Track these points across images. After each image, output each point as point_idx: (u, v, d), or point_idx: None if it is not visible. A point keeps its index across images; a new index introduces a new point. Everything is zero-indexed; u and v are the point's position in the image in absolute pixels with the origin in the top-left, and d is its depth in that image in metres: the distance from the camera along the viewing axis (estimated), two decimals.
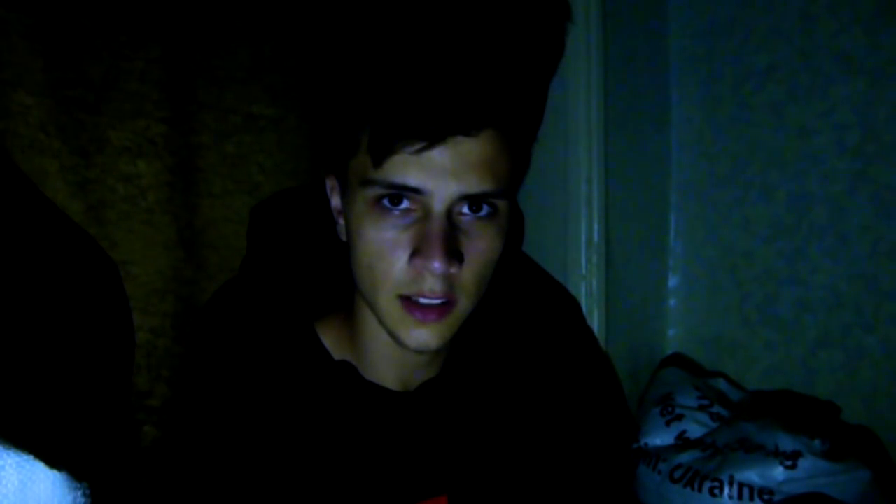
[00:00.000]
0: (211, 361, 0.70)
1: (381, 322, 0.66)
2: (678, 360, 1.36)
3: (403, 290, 0.62)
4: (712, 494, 1.02)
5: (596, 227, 1.19)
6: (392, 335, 0.66)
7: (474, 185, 0.60)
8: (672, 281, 1.42)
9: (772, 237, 1.28)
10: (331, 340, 0.72)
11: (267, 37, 0.93)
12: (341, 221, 0.68)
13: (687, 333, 1.42)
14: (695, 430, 1.14)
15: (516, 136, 0.63)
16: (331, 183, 0.69)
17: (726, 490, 1.01)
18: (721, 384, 1.26)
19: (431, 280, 0.61)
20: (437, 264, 0.59)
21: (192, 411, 0.69)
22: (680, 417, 1.16)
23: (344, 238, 0.68)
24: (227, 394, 0.68)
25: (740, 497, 1.00)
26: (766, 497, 0.99)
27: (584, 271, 1.19)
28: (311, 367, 0.70)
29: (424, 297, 0.62)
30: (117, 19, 0.83)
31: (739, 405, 1.21)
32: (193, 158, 0.89)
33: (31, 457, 0.43)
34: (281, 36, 0.94)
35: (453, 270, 0.61)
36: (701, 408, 1.17)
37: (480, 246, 0.63)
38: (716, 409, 1.17)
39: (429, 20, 0.60)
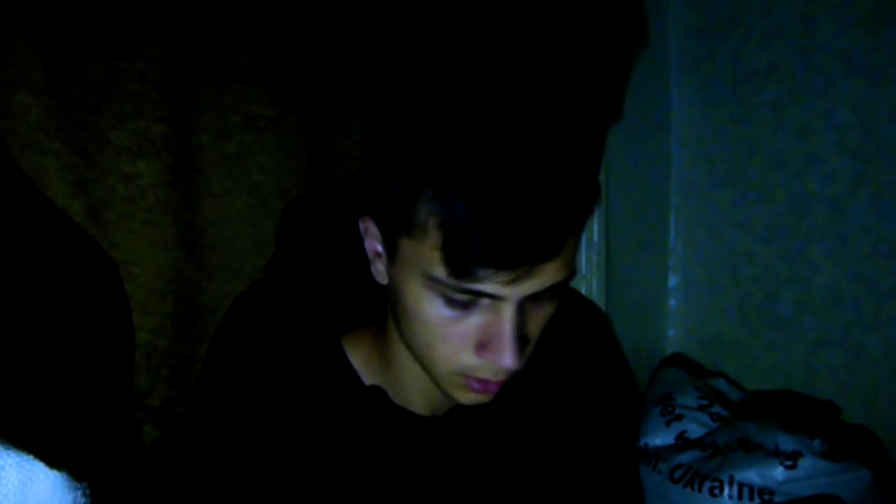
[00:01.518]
0: (232, 372, 0.68)
1: (433, 381, 0.64)
2: (678, 360, 1.36)
3: (466, 372, 0.61)
4: (712, 494, 1.02)
5: (596, 227, 1.19)
6: (444, 392, 0.64)
7: (550, 282, 0.57)
8: (672, 281, 1.42)
9: (772, 237, 1.28)
10: (359, 361, 0.70)
11: (267, 37, 0.93)
12: (381, 268, 0.63)
13: (687, 333, 1.42)
14: (695, 430, 1.14)
15: (588, 219, 0.61)
16: (366, 225, 0.63)
17: (726, 490, 1.01)
18: (721, 384, 1.26)
19: (498, 370, 0.59)
20: (508, 364, 0.57)
21: (211, 425, 0.68)
22: (680, 417, 1.16)
23: (382, 282, 0.64)
24: (246, 410, 0.66)
25: (740, 497, 1.00)
26: (766, 497, 0.99)
27: (584, 271, 1.19)
28: (339, 390, 0.68)
29: (487, 378, 0.61)
30: (117, 19, 0.83)
31: (739, 405, 1.21)
32: (193, 158, 0.89)
33: (31, 457, 0.43)
34: (281, 36, 0.94)
35: (522, 361, 0.59)
36: (701, 408, 1.17)
37: (541, 320, 0.61)
38: (716, 409, 1.17)
39: (513, 141, 0.54)
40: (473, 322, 0.58)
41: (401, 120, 0.57)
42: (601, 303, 1.21)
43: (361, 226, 0.64)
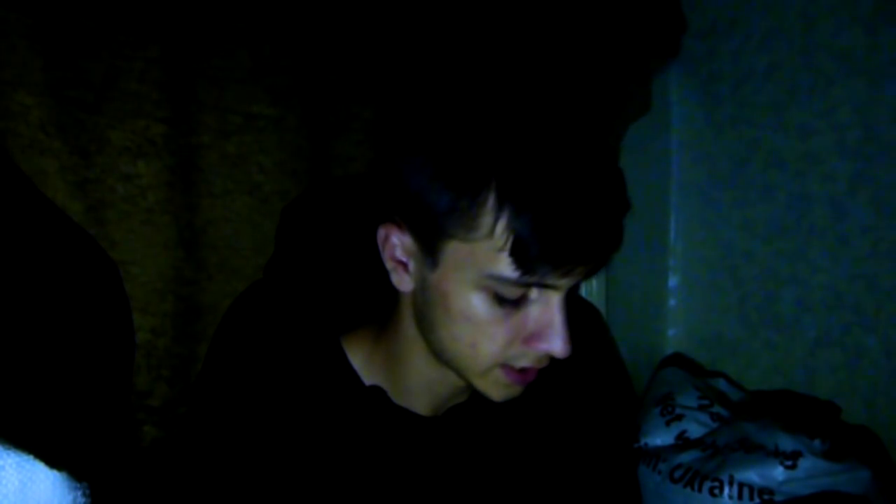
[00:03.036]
0: (232, 373, 0.68)
1: (466, 381, 0.64)
2: (678, 360, 1.36)
3: (509, 363, 0.61)
4: (712, 494, 1.02)
5: None
6: (475, 387, 0.64)
7: (595, 269, 0.59)
8: (672, 281, 1.42)
9: (772, 237, 1.28)
10: (360, 361, 0.70)
11: (267, 37, 0.93)
12: (405, 276, 0.63)
13: (687, 333, 1.42)
14: (695, 430, 1.14)
15: None
16: (387, 232, 0.62)
17: (726, 490, 1.01)
18: (721, 384, 1.26)
19: (542, 357, 0.61)
20: (563, 349, 0.59)
21: (211, 425, 0.67)
22: (680, 417, 1.16)
23: (404, 290, 0.64)
24: (246, 410, 0.66)
25: (740, 497, 1.00)
26: (766, 497, 0.99)
27: None
28: (339, 390, 0.68)
29: (527, 367, 0.62)
30: (117, 19, 0.83)
31: (739, 405, 1.21)
32: (193, 158, 0.89)
33: (31, 457, 0.43)
34: (281, 36, 0.94)
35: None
36: (701, 408, 1.17)
37: (572, 303, 0.63)
38: (716, 409, 1.17)
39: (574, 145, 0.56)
40: (523, 316, 0.60)
41: (440, 129, 0.58)
42: (601, 303, 1.21)
43: (381, 234, 0.63)
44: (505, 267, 0.56)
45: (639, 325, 1.36)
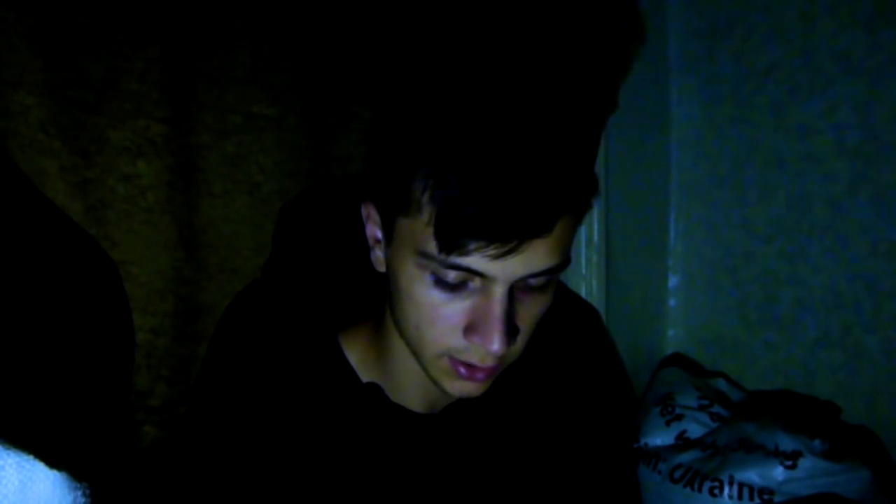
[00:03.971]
0: (230, 372, 0.68)
1: (422, 368, 0.64)
2: (678, 360, 1.36)
3: (453, 354, 0.61)
4: (712, 494, 1.02)
5: (596, 227, 1.19)
6: (433, 381, 0.64)
7: (541, 265, 0.57)
8: (672, 281, 1.42)
9: (772, 237, 1.28)
10: (357, 357, 0.70)
11: (267, 37, 0.93)
12: (379, 253, 0.64)
13: (687, 333, 1.42)
14: (695, 430, 1.14)
15: (584, 207, 0.61)
16: (367, 211, 0.64)
17: (726, 490, 1.01)
18: (721, 384, 1.26)
19: (485, 354, 0.60)
20: (496, 347, 0.57)
21: (211, 425, 0.68)
22: (680, 417, 1.16)
23: (380, 270, 0.65)
24: (245, 408, 0.67)
25: (740, 497, 1.00)
26: (766, 497, 0.99)
27: (584, 271, 1.19)
28: (336, 387, 0.69)
29: (473, 363, 0.61)
30: (117, 19, 0.83)
31: (739, 405, 1.21)
32: (193, 158, 0.89)
33: (31, 457, 0.43)
34: (281, 36, 0.94)
35: (509, 346, 0.59)
36: (701, 408, 1.17)
37: (535, 311, 0.61)
38: (716, 409, 1.17)
39: (507, 113, 0.55)
40: (463, 305, 0.59)
41: (398, 105, 0.59)
42: (601, 303, 1.21)
43: (364, 212, 0.65)
44: (429, 242, 0.56)
45: (639, 325, 1.36)
